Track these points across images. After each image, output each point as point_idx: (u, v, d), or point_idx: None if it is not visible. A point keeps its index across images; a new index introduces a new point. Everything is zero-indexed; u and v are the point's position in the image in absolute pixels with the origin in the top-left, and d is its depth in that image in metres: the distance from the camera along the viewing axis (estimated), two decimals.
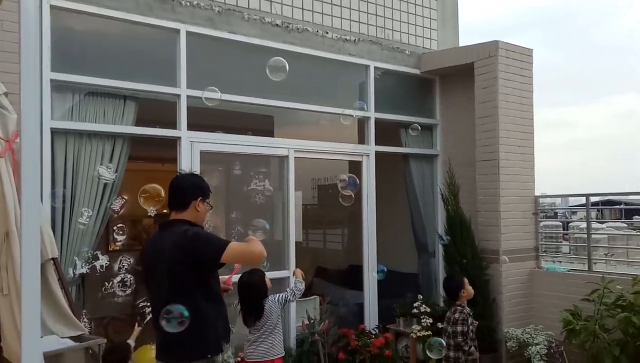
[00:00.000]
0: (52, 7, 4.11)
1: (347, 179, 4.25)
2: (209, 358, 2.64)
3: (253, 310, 3.67)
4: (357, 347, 5.21)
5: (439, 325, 5.47)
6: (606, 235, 9.09)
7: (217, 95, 3.52)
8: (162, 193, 2.86)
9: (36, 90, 1.29)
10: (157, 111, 4.73)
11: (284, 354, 3.89)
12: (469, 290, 4.30)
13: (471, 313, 4.29)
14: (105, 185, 4.33)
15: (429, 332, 5.37)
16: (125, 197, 4.59)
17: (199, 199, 2.73)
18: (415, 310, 5.56)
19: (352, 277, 6.48)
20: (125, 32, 4.59)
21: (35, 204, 1.33)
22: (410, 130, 5.75)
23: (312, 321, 5.13)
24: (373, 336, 5.42)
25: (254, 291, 3.67)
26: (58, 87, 4.17)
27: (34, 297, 1.25)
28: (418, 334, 5.36)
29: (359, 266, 6.05)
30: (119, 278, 4.62)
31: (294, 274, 4.06)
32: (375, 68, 5.95)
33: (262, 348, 3.70)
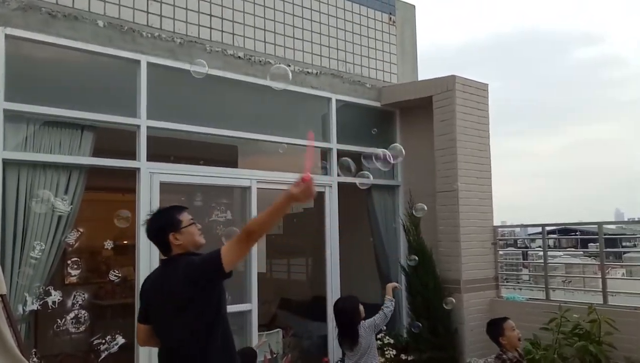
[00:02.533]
0: (7, 36, 4.04)
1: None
2: None
3: (348, 335, 3.80)
4: None
5: (403, 356, 5.47)
6: (563, 264, 9.35)
7: (205, 69, 3.46)
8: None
9: None
10: (116, 142, 4.65)
11: None
12: (510, 337, 3.68)
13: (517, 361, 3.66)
14: (59, 217, 4.19)
15: None
16: (81, 230, 4.45)
17: (170, 235, 2.59)
18: (379, 342, 5.53)
19: (316, 308, 6.41)
20: (84, 61, 4.54)
21: None
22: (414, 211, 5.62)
23: (274, 355, 5.04)
24: None
25: (347, 317, 3.82)
26: (12, 117, 4.06)
27: None
28: None
29: (322, 297, 6.00)
30: (72, 315, 4.43)
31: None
32: (337, 100, 6.05)
33: None
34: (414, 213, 5.42)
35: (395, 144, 3.63)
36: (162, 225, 2.63)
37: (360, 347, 3.80)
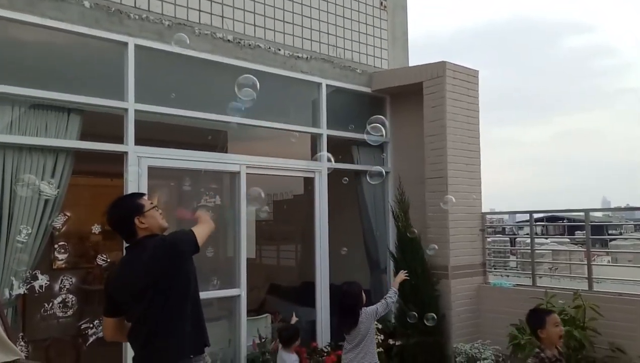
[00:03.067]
0: None
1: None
2: (191, 359, 2.60)
3: (349, 318, 3.98)
4: None
5: (390, 341, 5.52)
6: (550, 250, 9.45)
7: (186, 40, 3.56)
8: None
9: None
10: (104, 125, 4.59)
11: None
12: (551, 332, 3.31)
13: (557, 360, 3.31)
14: (46, 201, 4.15)
15: (381, 349, 5.39)
16: (68, 214, 4.41)
17: (135, 218, 2.65)
18: None
19: (305, 293, 6.43)
20: (70, 43, 4.46)
21: None
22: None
23: (263, 340, 5.06)
24: (325, 354, 5.38)
25: (352, 299, 4.01)
26: None
27: None
28: None
29: (311, 283, 6.02)
30: (59, 299, 4.42)
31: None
32: (327, 86, 6.02)
33: (350, 356, 3.98)
34: (441, 205, 5.41)
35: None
36: (127, 211, 2.68)
37: (359, 332, 3.94)
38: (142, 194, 2.86)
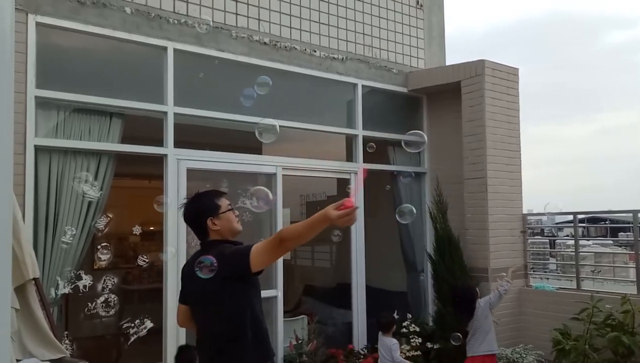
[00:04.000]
0: (38, 24, 4.08)
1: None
2: None
3: (466, 311, 4.48)
4: None
5: (428, 344, 5.44)
6: (592, 253, 9.15)
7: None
8: None
9: (9, 104, 1.25)
10: (144, 128, 4.69)
11: (496, 352, 4.56)
12: None
13: None
14: (89, 203, 4.25)
15: (419, 352, 5.32)
16: (110, 215, 4.51)
17: (208, 219, 2.55)
18: (404, 330, 5.51)
19: (341, 295, 6.41)
20: (111, 49, 4.57)
21: (4, 222, 1.27)
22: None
23: (299, 341, 5.06)
24: (362, 356, 5.35)
25: (469, 293, 4.55)
26: (42, 103, 4.12)
27: (2, 319, 1.19)
28: (407, 354, 5.30)
29: (347, 284, 5.99)
30: (102, 299, 4.52)
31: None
32: (363, 86, 5.98)
33: (470, 342, 4.47)
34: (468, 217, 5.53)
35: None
36: (201, 209, 2.58)
37: (475, 319, 4.42)
38: (222, 194, 2.67)
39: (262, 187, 2.77)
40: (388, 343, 4.65)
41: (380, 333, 4.77)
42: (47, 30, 4.18)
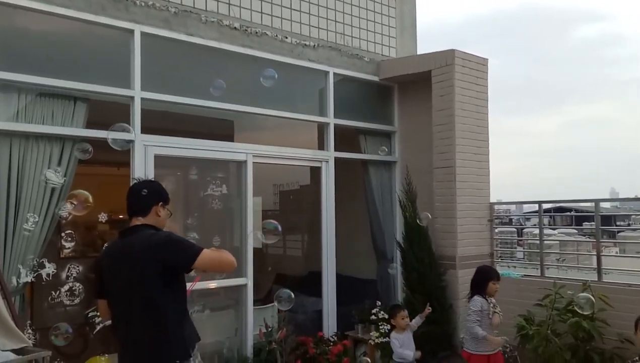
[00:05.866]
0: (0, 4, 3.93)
1: None
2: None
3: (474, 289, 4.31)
4: (316, 355, 5.16)
5: None
6: (558, 241, 9.38)
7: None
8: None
9: None
10: (110, 113, 4.56)
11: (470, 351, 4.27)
12: None
13: None
14: (53, 189, 4.14)
15: (387, 338, 5.38)
16: (75, 202, 4.40)
17: (159, 204, 2.67)
18: (373, 317, 5.56)
19: (312, 283, 6.43)
20: (76, 31, 4.43)
21: None
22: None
23: (269, 329, 5.05)
24: (331, 343, 5.38)
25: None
26: (4, 86, 3.98)
27: None
28: (376, 341, 5.37)
29: (318, 272, 6.01)
30: (67, 287, 4.42)
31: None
32: (335, 74, 5.96)
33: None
34: (418, 221, 5.44)
35: None
36: (159, 191, 2.71)
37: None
38: None
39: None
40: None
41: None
42: (9, 11, 4.02)
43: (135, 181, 2.83)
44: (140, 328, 2.50)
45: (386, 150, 5.96)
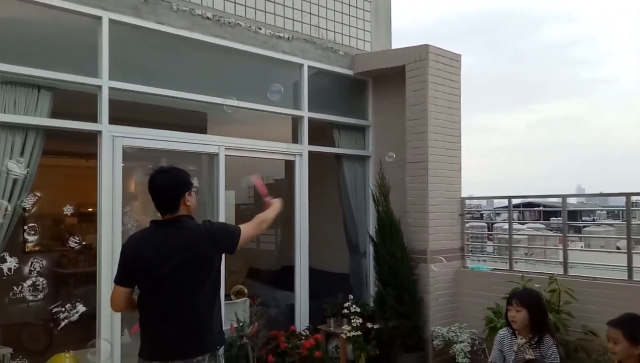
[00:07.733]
0: None
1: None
2: (217, 350, 2.61)
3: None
4: (287, 349, 5.14)
5: (369, 325, 5.52)
6: (526, 236, 9.57)
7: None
8: None
9: None
10: (76, 103, 4.43)
11: None
12: None
13: None
14: (15, 181, 3.99)
15: (359, 332, 5.39)
16: (39, 194, 4.26)
17: (185, 194, 2.62)
18: (345, 311, 5.57)
19: (284, 277, 6.40)
20: (41, 16, 4.26)
21: None
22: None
23: (241, 324, 5.00)
24: (303, 337, 5.36)
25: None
26: None
27: None
28: (348, 334, 5.37)
29: (290, 266, 5.98)
30: (29, 282, 4.28)
31: None
32: (309, 67, 5.91)
33: None
34: (386, 158, 5.62)
35: None
36: (181, 181, 2.64)
37: None
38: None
39: None
40: None
41: None
42: None
43: (155, 171, 2.67)
44: (186, 314, 2.50)
45: (394, 156, 5.78)
